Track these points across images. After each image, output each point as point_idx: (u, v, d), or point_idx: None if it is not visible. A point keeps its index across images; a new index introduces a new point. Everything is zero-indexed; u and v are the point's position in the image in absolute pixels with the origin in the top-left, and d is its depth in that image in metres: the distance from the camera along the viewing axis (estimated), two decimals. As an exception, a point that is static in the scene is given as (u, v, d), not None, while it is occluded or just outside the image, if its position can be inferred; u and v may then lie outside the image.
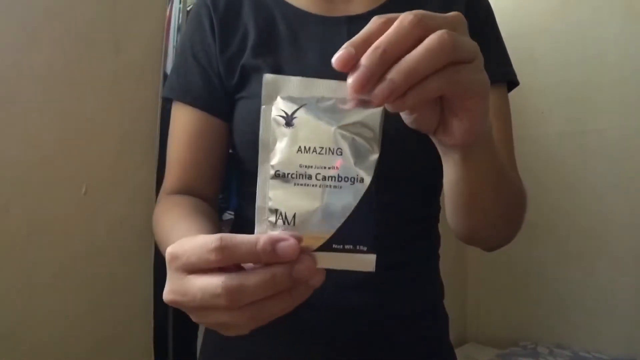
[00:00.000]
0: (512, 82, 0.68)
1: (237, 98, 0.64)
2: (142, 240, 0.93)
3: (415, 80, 0.31)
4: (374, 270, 0.33)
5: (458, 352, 0.71)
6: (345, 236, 0.33)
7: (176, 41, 1.23)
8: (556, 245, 1.79)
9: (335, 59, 0.32)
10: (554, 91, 1.81)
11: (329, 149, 0.33)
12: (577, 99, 1.77)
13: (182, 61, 0.67)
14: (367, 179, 0.33)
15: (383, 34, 0.32)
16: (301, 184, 0.33)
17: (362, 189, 0.33)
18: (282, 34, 0.64)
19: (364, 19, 0.65)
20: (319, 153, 0.33)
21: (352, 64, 0.32)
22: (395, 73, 0.31)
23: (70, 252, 0.81)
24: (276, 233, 0.32)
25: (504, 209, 0.53)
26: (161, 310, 1.08)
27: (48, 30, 0.79)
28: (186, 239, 0.35)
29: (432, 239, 0.69)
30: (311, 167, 0.33)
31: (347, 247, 0.33)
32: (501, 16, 0.70)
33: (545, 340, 1.77)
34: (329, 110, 0.34)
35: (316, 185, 0.33)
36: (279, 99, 0.35)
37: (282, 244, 0.31)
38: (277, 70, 0.61)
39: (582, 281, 1.74)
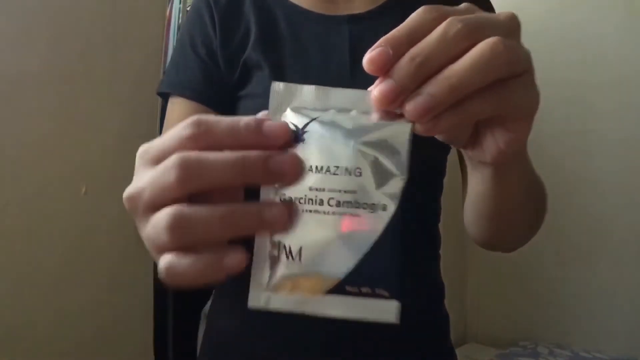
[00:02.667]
0: None
1: (238, 96, 0.64)
2: (142, 241, 0.93)
3: (459, 97, 0.26)
4: (397, 322, 0.27)
5: (458, 352, 0.71)
6: (362, 276, 0.27)
7: (176, 41, 1.22)
8: (556, 245, 1.79)
9: (367, 60, 0.26)
10: (553, 91, 1.81)
11: (346, 168, 0.27)
12: (577, 99, 1.77)
13: (181, 55, 0.66)
14: (392, 207, 0.27)
15: (429, 32, 0.26)
16: (311, 211, 0.27)
17: (384, 218, 0.27)
18: (283, 32, 0.64)
19: (365, 18, 0.65)
20: (334, 173, 0.27)
21: (387, 67, 0.26)
22: (436, 87, 0.26)
23: (69, 252, 0.81)
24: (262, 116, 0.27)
25: (528, 216, 0.53)
26: (161, 310, 1.08)
27: (48, 31, 0.79)
28: None
29: (432, 239, 0.69)
30: (323, 190, 0.27)
31: (363, 289, 0.27)
32: (501, 16, 0.70)
33: (545, 340, 1.76)
34: (347, 125, 0.28)
35: (329, 213, 0.27)
36: (288, 110, 0.29)
37: (269, 123, 0.26)
38: (279, 68, 0.61)
39: (582, 281, 1.73)
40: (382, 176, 0.27)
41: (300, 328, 0.60)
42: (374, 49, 0.26)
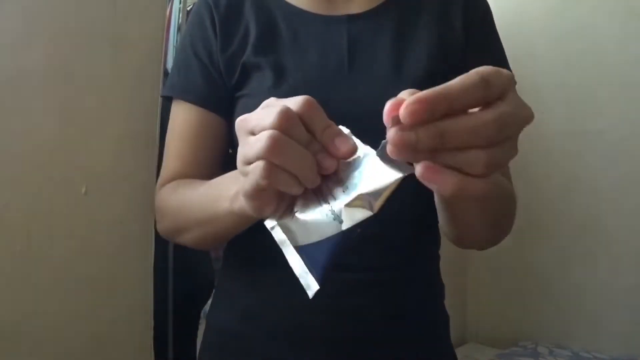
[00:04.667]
0: None
1: (237, 96, 0.64)
2: (142, 240, 0.93)
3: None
4: (310, 296, 0.35)
5: (458, 352, 0.71)
6: (309, 256, 0.35)
7: (176, 41, 1.23)
8: (556, 245, 1.79)
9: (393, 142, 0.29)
10: (553, 91, 1.81)
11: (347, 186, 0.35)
12: (577, 99, 1.77)
13: (183, 59, 0.68)
14: (345, 227, 0.34)
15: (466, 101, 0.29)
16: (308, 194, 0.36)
17: (337, 229, 0.34)
18: (282, 33, 0.64)
19: (363, 18, 0.65)
20: (343, 191, 0.35)
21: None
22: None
23: (69, 252, 0.81)
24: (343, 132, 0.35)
25: (491, 222, 0.57)
26: (161, 310, 1.08)
27: (48, 30, 0.79)
28: None
29: (432, 239, 0.69)
30: (330, 194, 0.35)
31: (307, 264, 0.35)
32: (501, 16, 0.70)
33: (545, 340, 1.76)
34: (363, 178, 0.36)
35: (319, 203, 0.36)
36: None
37: (341, 139, 0.34)
38: (279, 67, 0.62)
39: (582, 281, 1.73)
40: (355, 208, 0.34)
41: (300, 328, 0.60)
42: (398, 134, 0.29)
